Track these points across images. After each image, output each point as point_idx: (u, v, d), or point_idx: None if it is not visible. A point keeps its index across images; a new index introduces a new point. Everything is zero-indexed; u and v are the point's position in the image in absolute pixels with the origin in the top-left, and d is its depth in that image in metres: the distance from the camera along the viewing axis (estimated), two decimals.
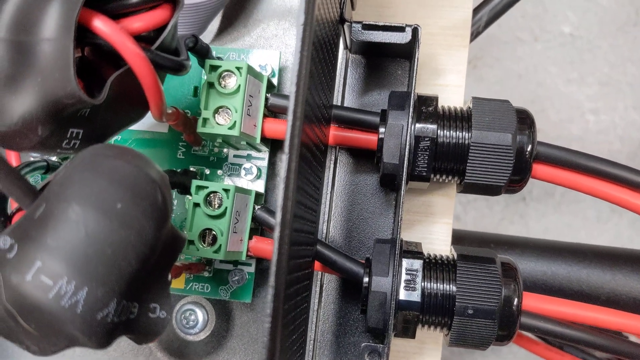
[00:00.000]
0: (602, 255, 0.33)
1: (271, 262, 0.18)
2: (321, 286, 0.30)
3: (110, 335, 0.18)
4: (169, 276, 0.21)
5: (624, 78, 0.69)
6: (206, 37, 0.32)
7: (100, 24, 0.20)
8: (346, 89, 0.31)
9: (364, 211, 0.31)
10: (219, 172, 0.30)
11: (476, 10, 0.33)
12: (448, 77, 0.32)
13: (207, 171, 0.30)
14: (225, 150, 0.30)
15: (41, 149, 0.22)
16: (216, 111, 0.26)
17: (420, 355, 0.30)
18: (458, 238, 0.34)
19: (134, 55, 0.21)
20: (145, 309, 0.19)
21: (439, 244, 0.31)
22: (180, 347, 0.31)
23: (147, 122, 0.31)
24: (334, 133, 0.28)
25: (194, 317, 0.31)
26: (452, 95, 0.32)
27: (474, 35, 0.34)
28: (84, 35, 0.21)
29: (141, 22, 0.22)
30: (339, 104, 0.31)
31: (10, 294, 0.17)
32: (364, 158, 0.31)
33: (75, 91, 0.20)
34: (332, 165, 0.31)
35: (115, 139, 0.31)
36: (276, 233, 0.18)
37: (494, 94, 0.72)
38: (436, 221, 0.31)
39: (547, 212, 0.68)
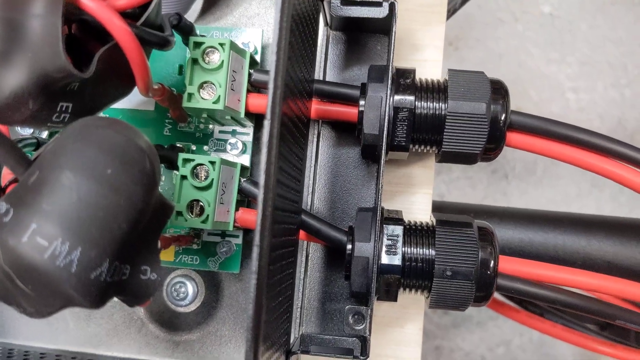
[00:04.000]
0: (577, 222, 0.35)
1: (255, 222, 0.19)
2: (307, 256, 0.31)
3: (103, 294, 0.19)
4: (159, 243, 0.22)
5: (603, 57, 0.71)
6: (190, 16, 0.33)
7: (87, 1, 0.21)
8: (327, 64, 0.32)
9: (346, 182, 0.32)
10: (205, 147, 0.31)
11: None
12: (426, 52, 0.33)
13: (194, 147, 0.31)
14: (210, 126, 0.31)
15: (32, 123, 0.22)
16: (201, 86, 0.27)
17: (404, 320, 0.32)
18: (439, 208, 0.35)
19: (120, 31, 0.22)
20: (137, 271, 0.20)
21: (420, 214, 0.32)
22: (172, 318, 0.32)
23: (134, 100, 0.32)
24: (316, 107, 0.29)
25: (184, 289, 0.32)
26: (431, 69, 0.33)
27: (451, 12, 0.35)
28: (71, 11, 0.22)
29: None
30: (321, 78, 0.32)
31: (7, 255, 0.18)
32: (346, 132, 0.32)
33: (65, 65, 0.21)
34: (315, 139, 0.32)
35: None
36: (260, 195, 0.19)
37: None
38: (416, 192, 0.32)
39: (529, 189, 0.70)
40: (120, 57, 0.23)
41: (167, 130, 0.32)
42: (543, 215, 0.35)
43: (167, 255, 0.31)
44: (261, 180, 0.20)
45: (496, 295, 0.47)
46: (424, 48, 0.33)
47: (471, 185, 0.71)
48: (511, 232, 0.34)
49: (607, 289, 0.29)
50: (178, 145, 0.31)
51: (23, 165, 0.19)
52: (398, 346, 0.32)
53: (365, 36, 0.32)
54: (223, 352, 0.32)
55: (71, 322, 0.33)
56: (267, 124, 0.19)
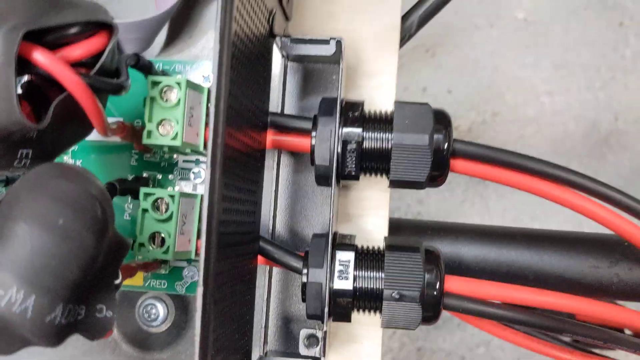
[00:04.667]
0: (529, 238, 0.36)
1: (199, 259, 0.21)
2: (270, 277, 0.33)
3: (59, 335, 0.21)
4: (118, 278, 0.24)
5: (577, 60, 0.72)
6: (155, 48, 0.35)
7: (39, 56, 0.23)
8: (286, 93, 0.33)
9: (305, 208, 0.33)
10: (170, 176, 0.33)
11: (406, 16, 0.35)
12: (380, 78, 0.34)
13: (159, 176, 0.33)
14: (175, 156, 0.33)
15: None
16: (160, 123, 0.29)
17: (362, 337, 0.33)
18: (397, 226, 0.37)
19: (72, 83, 0.23)
20: (93, 310, 0.22)
21: (377, 234, 0.34)
22: (144, 339, 0.34)
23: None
24: (272, 138, 0.31)
25: (155, 311, 0.34)
26: (385, 95, 0.34)
27: (407, 38, 0.36)
28: (26, 66, 0.23)
29: (80, 50, 0.24)
30: (279, 108, 0.33)
31: None
32: (305, 158, 0.33)
33: (19, 119, 0.22)
34: (275, 166, 0.33)
35: (72, 149, 0.33)
36: (203, 235, 0.21)
37: (452, 81, 0.75)
38: (373, 214, 0.34)
39: (506, 193, 0.72)
40: (75, 104, 0.24)
41: (133, 160, 0.33)
42: (497, 232, 0.36)
43: (136, 280, 0.33)
44: (204, 217, 0.21)
45: None
46: (378, 74, 0.34)
47: (449, 190, 0.73)
48: (466, 249, 0.36)
49: (552, 304, 0.31)
50: (144, 175, 0.33)
51: None
52: None
53: (320, 66, 0.34)
54: None
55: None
56: (209, 162, 0.21)
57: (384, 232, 0.34)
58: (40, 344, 0.20)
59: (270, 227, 0.33)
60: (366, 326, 0.34)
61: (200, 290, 0.22)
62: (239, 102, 0.25)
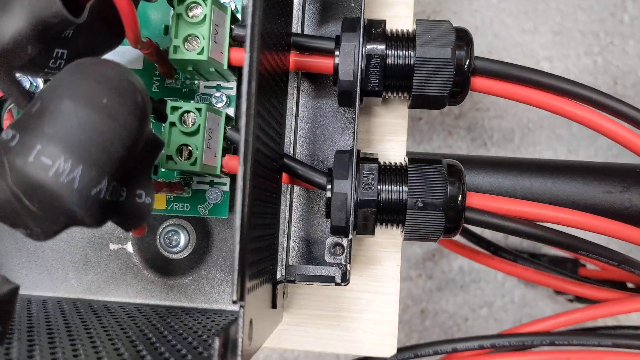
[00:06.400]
0: (543, 167, 0.37)
1: (238, 169, 0.22)
2: (291, 201, 0.34)
3: (103, 212, 0.21)
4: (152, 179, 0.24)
5: (574, 26, 0.73)
6: None
7: None
8: (305, 22, 0.34)
9: (326, 132, 0.34)
10: (191, 102, 0.33)
11: None
12: (397, 8, 0.35)
13: (180, 102, 0.33)
14: (196, 82, 0.33)
15: (30, 69, 0.24)
16: (185, 39, 0.29)
17: (382, 259, 0.34)
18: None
19: None
20: (133, 194, 0.22)
21: (395, 159, 0.34)
22: (165, 265, 0.34)
23: (123, 60, 0.34)
24: (294, 59, 0.31)
25: (176, 237, 0.34)
26: (402, 24, 0.35)
27: None
28: None
29: None
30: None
31: (15, 176, 0.20)
32: (324, 84, 0.34)
33: (60, 10, 0.22)
34: (295, 92, 0.34)
35: None
36: (242, 134, 0.22)
37: None
38: (392, 139, 0.35)
39: (507, 156, 0.72)
40: (110, 8, 0.25)
41: (155, 87, 0.33)
42: (511, 162, 0.37)
43: (159, 204, 0.33)
44: (242, 122, 0.22)
45: (472, 245, 0.49)
46: (395, 4, 0.35)
47: (451, 153, 0.74)
48: (481, 177, 0.36)
49: (567, 220, 0.32)
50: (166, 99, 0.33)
51: (26, 98, 0.21)
52: (377, 282, 0.34)
53: None
54: (215, 293, 0.34)
55: (70, 272, 0.35)
56: (246, 58, 0.21)
57: (403, 156, 0.34)
58: (84, 219, 0.21)
59: (292, 152, 0.33)
60: (385, 248, 0.34)
61: (238, 206, 0.22)
62: (269, 25, 0.26)
